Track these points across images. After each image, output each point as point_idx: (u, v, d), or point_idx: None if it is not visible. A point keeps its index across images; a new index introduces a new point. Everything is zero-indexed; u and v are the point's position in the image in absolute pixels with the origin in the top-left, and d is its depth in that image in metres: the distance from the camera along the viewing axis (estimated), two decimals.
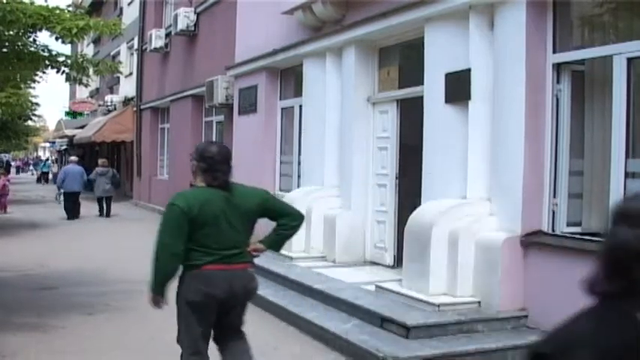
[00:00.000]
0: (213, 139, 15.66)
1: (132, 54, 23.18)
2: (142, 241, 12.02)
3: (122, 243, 12.22)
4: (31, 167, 51.47)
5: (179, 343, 4.06)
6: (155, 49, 18.35)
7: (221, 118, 14.86)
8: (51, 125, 47.51)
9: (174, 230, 3.71)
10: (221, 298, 3.79)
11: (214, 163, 3.77)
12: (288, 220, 4.13)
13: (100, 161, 18.48)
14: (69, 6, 16.65)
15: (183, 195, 3.86)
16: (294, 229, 4.17)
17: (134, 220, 17.06)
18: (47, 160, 44.93)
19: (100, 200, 17.43)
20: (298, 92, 10.50)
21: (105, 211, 17.36)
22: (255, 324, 6.64)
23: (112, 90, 26.14)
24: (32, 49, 7.28)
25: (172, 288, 4.00)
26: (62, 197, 16.67)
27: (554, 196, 5.89)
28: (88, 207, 17.35)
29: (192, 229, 3.70)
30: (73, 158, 18.19)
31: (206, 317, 3.89)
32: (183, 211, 3.67)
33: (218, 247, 3.75)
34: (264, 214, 4.04)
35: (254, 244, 3.97)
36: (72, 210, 16.32)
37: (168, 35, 18.10)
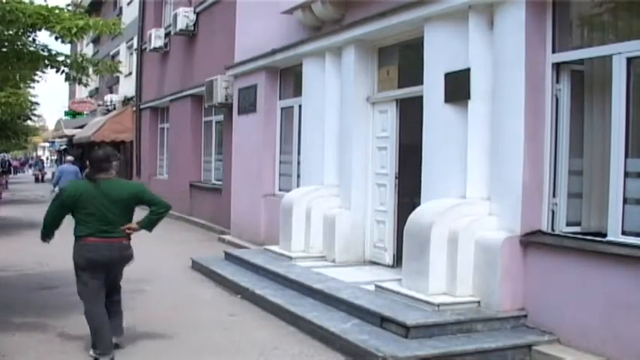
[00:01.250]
0: (213, 139, 15.73)
1: (131, 54, 23.18)
2: (141, 241, 12.05)
3: None
4: (32, 167, 51.51)
5: (79, 295, 5.40)
6: (154, 48, 18.35)
7: (220, 117, 14.87)
8: (50, 125, 47.52)
9: (58, 207, 5.33)
10: (101, 261, 5.22)
11: (93, 164, 5.31)
12: (157, 208, 5.45)
13: None
14: (68, 5, 16.66)
15: (73, 184, 5.90)
16: (161, 214, 5.48)
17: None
18: (41, 160, 46.29)
19: None
20: (298, 92, 10.50)
21: None
22: (254, 323, 6.67)
23: (111, 90, 26.13)
24: (32, 48, 7.26)
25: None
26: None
27: (554, 196, 5.90)
28: None
29: (76, 208, 5.18)
30: (69, 158, 19.13)
31: (94, 275, 5.23)
32: (68, 195, 5.27)
33: (95, 224, 5.15)
34: (138, 202, 5.40)
35: (132, 224, 5.35)
36: None
37: (167, 35, 18.10)
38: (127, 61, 23.31)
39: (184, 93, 16.75)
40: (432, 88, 6.97)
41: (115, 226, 5.21)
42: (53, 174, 30.28)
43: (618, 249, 5.06)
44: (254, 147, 11.65)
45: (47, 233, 5.48)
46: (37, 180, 38.09)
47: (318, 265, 8.24)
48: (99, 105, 27.23)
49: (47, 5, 7.03)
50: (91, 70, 7.95)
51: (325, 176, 9.15)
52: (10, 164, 41.93)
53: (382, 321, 5.82)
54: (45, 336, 5.98)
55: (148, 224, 5.48)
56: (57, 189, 16.40)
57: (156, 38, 18.20)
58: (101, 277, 5.27)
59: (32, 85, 18.13)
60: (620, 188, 5.25)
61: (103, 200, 5.16)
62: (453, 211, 6.29)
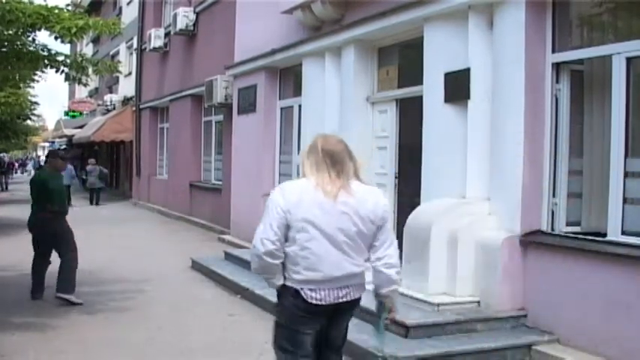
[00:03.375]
0: (213, 139, 15.74)
1: (131, 53, 23.18)
2: (140, 241, 12.07)
3: (120, 243, 12.21)
4: (30, 167, 51.52)
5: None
6: (154, 48, 18.34)
7: (220, 117, 14.86)
8: (50, 125, 47.50)
9: (38, 188, 7.31)
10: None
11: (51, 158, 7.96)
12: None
13: (89, 161, 22.83)
14: (68, 5, 16.64)
15: (44, 172, 8.08)
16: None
17: (132, 220, 17.07)
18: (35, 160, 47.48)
19: (90, 192, 21.63)
20: (297, 92, 10.50)
21: (95, 201, 21.27)
22: (254, 323, 6.66)
23: (111, 90, 26.13)
24: (31, 48, 7.26)
25: None
26: None
27: (554, 196, 5.89)
28: (82, 200, 21.09)
29: (48, 190, 7.24)
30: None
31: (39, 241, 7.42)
32: (42, 181, 7.37)
33: (59, 202, 7.36)
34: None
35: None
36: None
37: (167, 35, 18.10)
38: (126, 61, 23.31)
39: (184, 93, 16.75)
40: (432, 88, 6.97)
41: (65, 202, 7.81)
42: None
43: (618, 249, 5.06)
44: (254, 147, 11.64)
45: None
46: None
47: None
48: (99, 105, 27.23)
49: (47, 5, 7.03)
50: (90, 70, 7.96)
51: None
52: (11, 165, 41.63)
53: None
54: (44, 336, 5.98)
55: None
56: None
57: (155, 38, 18.19)
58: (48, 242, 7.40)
59: (32, 84, 18.13)
60: (619, 188, 5.25)
61: (59, 184, 7.72)
62: (453, 211, 6.29)
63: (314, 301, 3.21)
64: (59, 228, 7.30)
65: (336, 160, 3.25)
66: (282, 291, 3.30)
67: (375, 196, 3.42)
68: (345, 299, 3.36)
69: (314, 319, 3.28)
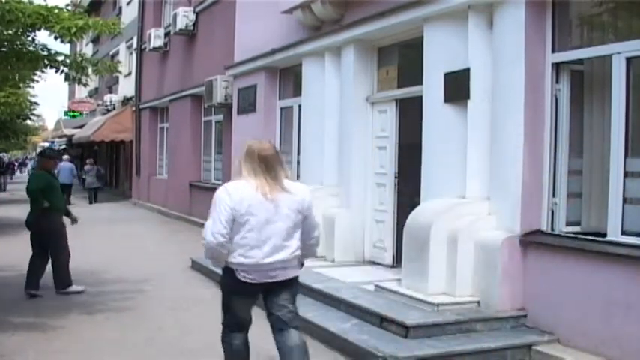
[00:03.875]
0: (212, 139, 15.73)
1: (131, 53, 23.18)
2: (140, 241, 12.06)
3: (120, 243, 12.21)
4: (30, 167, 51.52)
5: None
6: (154, 48, 18.34)
7: (220, 117, 14.86)
8: (50, 125, 47.49)
9: (32, 188, 7.71)
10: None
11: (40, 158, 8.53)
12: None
13: (87, 161, 23.52)
14: (68, 5, 16.64)
15: (37, 172, 8.38)
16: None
17: (132, 220, 17.07)
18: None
19: (89, 191, 22.27)
20: (297, 92, 10.50)
21: (93, 199, 21.91)
22: (253, 323, 6.65)
23: (111, 89, 26.13)
24: (31, 48, 7.26)
25: None
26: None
27: (554, 196, 5.89)
28: (82, 200, 21.75)
29: (41, 190, 7.62)
30: (66, 157, 22.33)
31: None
32: (36, 181, 7.81)
33: (51, 200, 7.63)
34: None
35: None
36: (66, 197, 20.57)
37: (167, 35, 18.09)
38: (126, 61, 23.31)
39: (184, 93, 16.75)
40: (432, 88, 6.97)
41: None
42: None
43: (618, 249, 5.06)
44: None
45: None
46: None
47: (317, 265, 8.23)
48: (98, 105, 27.23)
49: (47, 5, 7.02)
50: (90, 70, 7.95)
51: (325, 176, 9.15)
52: (11, 165, 41.45)
53: (382, 321, 5.81)
54: (44, 335, 5.98)
55: None
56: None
57: (155, 38, 18.19)
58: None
59: (32, 84, 18.13)
60: (619, 188, 5.25)
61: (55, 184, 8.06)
62: (453, 211, 6.29)
63: (247, 280, 4.07)
64: (52, 226, 7.64)
65: (269, 164, 4.04)
66: (225, 269, 4.14)
67: (302, 192, 4.21)
68: (275, 279, 4.15)
69: (248, 292, 4.16)
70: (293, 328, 4.25)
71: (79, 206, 18.69)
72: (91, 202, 21.62)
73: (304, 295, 7.10)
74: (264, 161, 4.02)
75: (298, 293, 4.45)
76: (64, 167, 20.42)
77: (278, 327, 4.25)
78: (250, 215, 3.95)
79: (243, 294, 4.17)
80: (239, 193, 3.98)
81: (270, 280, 4.11)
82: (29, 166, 52.27)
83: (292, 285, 4.30)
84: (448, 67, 6.74)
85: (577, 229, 5.84)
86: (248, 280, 4.06)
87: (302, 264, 4.37)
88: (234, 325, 4.27)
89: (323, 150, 9.18)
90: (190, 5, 16.33)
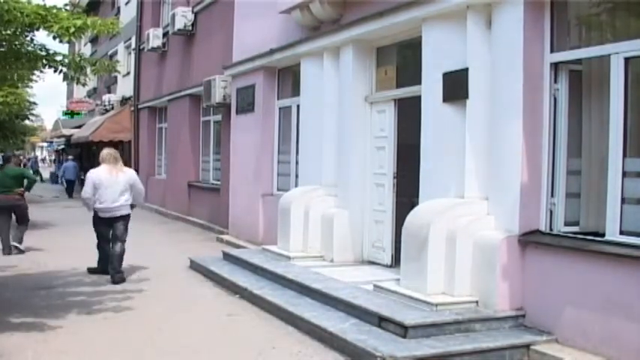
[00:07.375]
0: (211, 139, 15.74)
1: (129, 53, 23.16)
2: (138, 241, 12.04)
3: None
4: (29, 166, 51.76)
5: None
6: (153, 48, 18.33)
7: (219, 117, 14.85)
8: (48, 125, 47.43)
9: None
10: (4, 206, 10.39)
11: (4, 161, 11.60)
12: (29, 182, 10.87)
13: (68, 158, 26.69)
14: (66, 5, 16.62)
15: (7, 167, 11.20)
16: (32, 184, 10.99)
17: (131, 220, 17.02)
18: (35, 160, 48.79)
19: None
20: (296, 92, 10.50)
21: None
22: (252, 323, 6.67)
23: (109, 89, 26.09)
24: (30, 48, 7.24)
25: None
26: (65, 183, 25.58)
27: (552, 196, 5.90)
28: (81, 198, 20.91)
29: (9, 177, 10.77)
30: (70, 157, 26.26)
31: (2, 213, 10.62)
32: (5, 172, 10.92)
33: (2, 187, 10.37)
34: (23, 178, 10.77)
35: (20, 190, 10.68)
36: (70, 191, 24.85)
37: (165, 35, 18.09)
38: (125, 61, 23.28)
39: (182, 93, 16.74)
40: (431, 88, 6.97)
41: (11, 188, 10.47)
42: (51, 173, 36.15)
43: (616, 249, 5.07)
44: (252, 147, 11.64)
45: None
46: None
47: (316, 265, 8.24)
48: (97, 105, 27.20)
49: (45, 5, 7.01)
50: (89, 70, 7.93)
51: (323, 176, 9.15)
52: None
53: (380, 321, 5.82)
54: (43, 335, 5.97)
55: (27, 189, 10.85)
56: (63, 180, 25.83)
57: (154, 38, 18.18)
58: (8, 216, 10.66)
59: (30, 84, 18.11)
60: (618, 188, 5.26)
61: (6, 176, 10.53)
62: (452, 211, 6.30)
63: (104, 216, 8.46)
64: (21, 204, 10.73)
65: (115, 158, 8.61)
66: (94, 212, 8.55)
67: (130, 173, 8.84)
68: (116, 215, 8.49)
69: (105, 223, 8.56)
70: (120, 241, 8.53)
71: (78, 206, 18.66)
72: None
73: (303, 294, 7.12)
74: (113, 158, 8.59)
75: (129, 223, 8.70)
76: (69, 165, 25.25)
77: (113, 240, 8.55)
78: (102, 183, 8.37)
79: (102, 224, 8.59)
80: (99, 173, 8.47)
81: (113, 215, 8.46)
82: (28, 166, 52.51)
83: (125, 219, 8.60)
84: (447, 67, 6.74)
85: (575, 229, 5.84)
86: (103, 216, 8.48)
87: (133, 206, 8.74)
88: (102, 239, 8.71)
89: (322, 150, 9.18)
90: (189, 5, 16.32)
